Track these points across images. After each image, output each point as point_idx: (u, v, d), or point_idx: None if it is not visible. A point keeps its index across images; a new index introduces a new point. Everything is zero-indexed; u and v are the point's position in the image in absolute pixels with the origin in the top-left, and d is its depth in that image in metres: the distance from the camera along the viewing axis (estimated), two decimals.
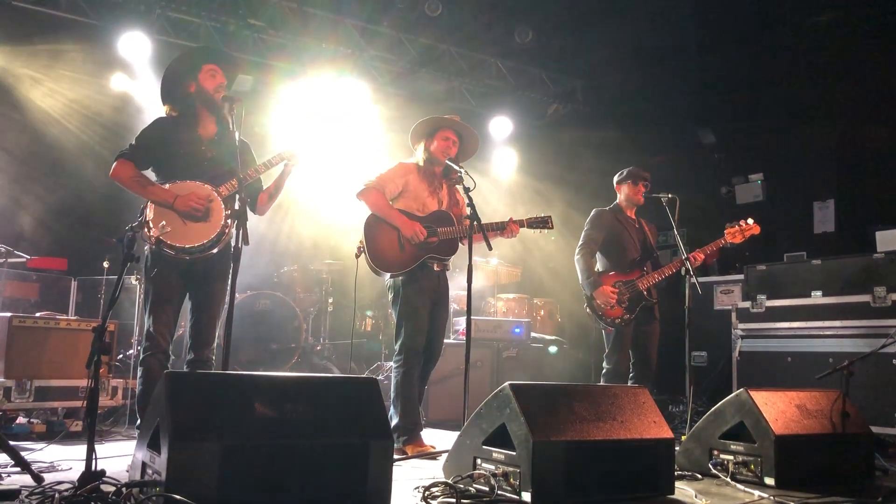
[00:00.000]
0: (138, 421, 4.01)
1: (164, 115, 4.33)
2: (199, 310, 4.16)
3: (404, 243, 4.84)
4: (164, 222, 3.91)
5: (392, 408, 4.78)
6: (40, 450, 4.24)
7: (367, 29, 8.71)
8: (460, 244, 4.93)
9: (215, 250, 4.04)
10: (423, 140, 5.08)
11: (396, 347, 4.90)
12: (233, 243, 3.68)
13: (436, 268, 4.93)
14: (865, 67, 7.78)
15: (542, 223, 5.14)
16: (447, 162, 4.92)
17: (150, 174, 4.17)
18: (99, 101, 7.84)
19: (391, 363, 5.13)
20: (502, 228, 4.97)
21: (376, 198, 4.88)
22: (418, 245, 4.83)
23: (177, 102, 4.28)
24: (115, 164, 4.07)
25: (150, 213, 3.97)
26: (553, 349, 7.26)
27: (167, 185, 4.04)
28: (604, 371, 5.66)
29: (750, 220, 5.68)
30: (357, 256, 4.90)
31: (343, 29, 8.54)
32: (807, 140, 8.33)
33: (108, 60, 7.68)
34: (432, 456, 4.56)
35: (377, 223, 4.88)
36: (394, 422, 4.73)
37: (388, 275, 4.88)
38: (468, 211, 4.61)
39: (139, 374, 4.05)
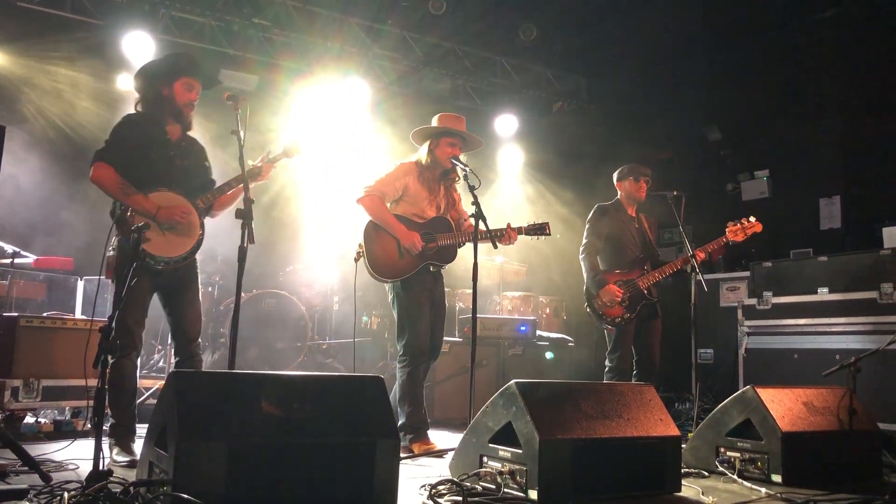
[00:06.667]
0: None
1: (132, 111, 4.32)
2: (176, 314, 4.24)
3: (403, 252, 4.85)
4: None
5: (398, 407, 4.79)
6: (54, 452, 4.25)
7: (372, 28, 8.73)
8: (458, 250, 4.97)
9: (188, 260, 4.17)
10: (428, 140, 5.07)
11: (400, 348, 4.91)
12: (238, 243, 3.70)
13: (431, 268, 4.95)
14: (871, 63, 7.74)
15: (539, 230, 5.05)
16: (452, 161, 4.90)
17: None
18: (104, 101, 7.85)
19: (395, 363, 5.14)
20: (500, 236, 4.87)
21: (376, 205, 4.89)
22: (417, 253, 4.84)
23: (149, 95, 4.27)
24: (94, 165, 4.04)
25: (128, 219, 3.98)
26: (549, 355, 7.20)
27: (149, 195, 4.06)
28: (606, 369, 5.64)
29: (752, 218, 5.64)
30: (356, 260, 4.91)
31: (348, 28, 8.56)
32: (813, 136, 8.30)
33: (113, 61, 7.69)
34: (439, 454, 4.57)
35: (376, 231, 4.89)
36: (400, 420, 4.74)
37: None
38: (474, 209, 4.58)
39: (109, 370, 4.02)
